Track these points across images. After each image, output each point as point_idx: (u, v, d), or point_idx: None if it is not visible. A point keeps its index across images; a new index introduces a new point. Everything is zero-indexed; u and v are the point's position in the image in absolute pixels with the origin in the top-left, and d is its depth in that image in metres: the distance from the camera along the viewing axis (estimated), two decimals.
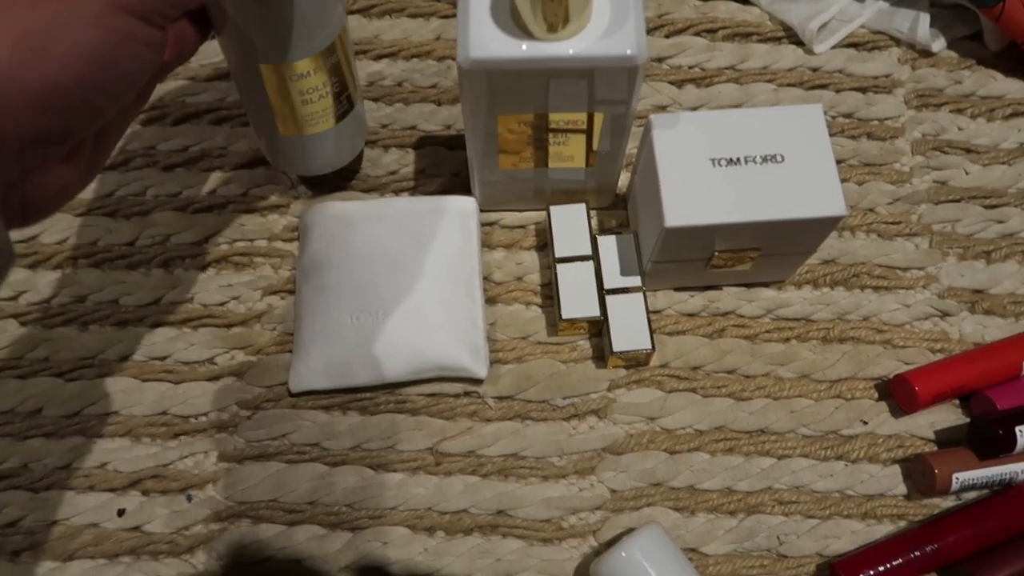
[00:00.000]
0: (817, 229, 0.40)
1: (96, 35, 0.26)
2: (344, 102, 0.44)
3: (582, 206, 0.46)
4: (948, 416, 0.44)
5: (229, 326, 0.47)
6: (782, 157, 0.40)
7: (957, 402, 0.44)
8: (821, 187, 0.39)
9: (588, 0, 0.35)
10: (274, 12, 0.37)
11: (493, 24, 0.36)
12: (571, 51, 0.36)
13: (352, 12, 0.56)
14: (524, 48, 0.36)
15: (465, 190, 0.49)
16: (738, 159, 0.40)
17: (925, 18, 0.52)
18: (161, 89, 0.54)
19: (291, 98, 0.42)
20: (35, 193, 0.27)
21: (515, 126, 0.41)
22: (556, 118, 0.40)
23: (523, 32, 0.36)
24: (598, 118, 0.40)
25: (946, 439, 0.43)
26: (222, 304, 0.47)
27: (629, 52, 0.36)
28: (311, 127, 0.44)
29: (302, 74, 0.41)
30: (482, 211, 0.49)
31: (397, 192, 0.50)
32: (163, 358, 0.46)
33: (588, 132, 0.41)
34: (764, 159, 0.40)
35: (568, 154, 0.43)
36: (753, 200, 0.39)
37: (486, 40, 0.36)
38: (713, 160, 0.40)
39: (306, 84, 0.41)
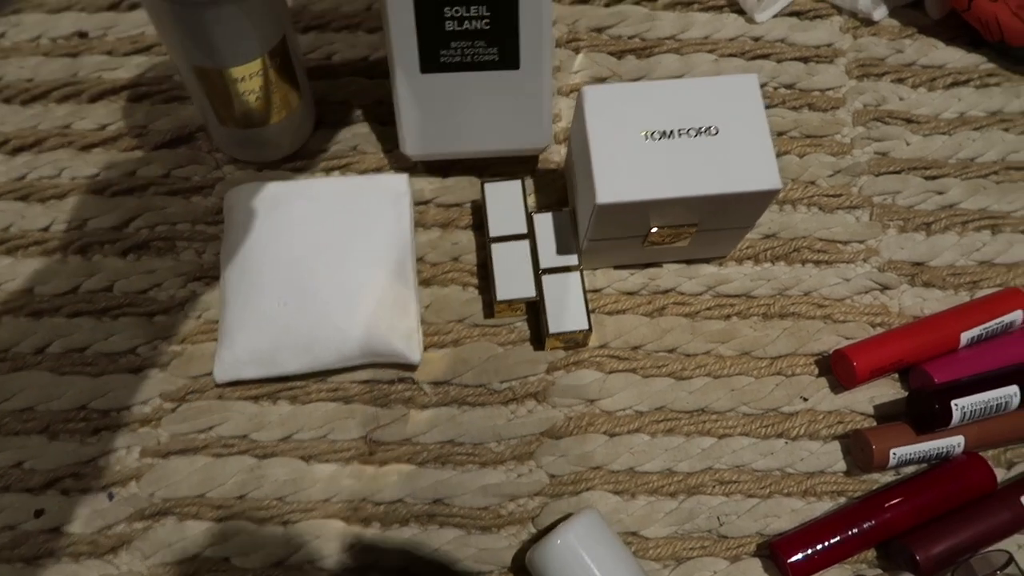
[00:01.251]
0: (754, 203, 0.39)
1: None
2: (287, 97, 0.43)
3: (517, 183, 0.45)
4: (888, 391, 0.43)
5: (151, 315, 0.45)
6: (716, 130, 0.38)
7: (896, 376, 0.44)
8: (756, 160, 0.38)
9: None
10: (207, 21, 0.36)
11: None
12: None
13: None
14: None
15: (397, 166, 0.48)
16: (671, 132, 0.38)
17: None
18: (76, 64, 0.51)
19: (230, 99, 0.41)
20: None
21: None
22: None
23: None
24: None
25: (886, 414, 0.43)
26: (144, 292, 0.45)
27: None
28: (251, 123, 0.43)
29: (238, 79, 0.39)
30: (417, 173, 0.47)
31: (327, 172, 0.48)
32: (82, 350, 0.44)
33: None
34: (698, 132, 0.38)
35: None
36: (687, 175, 0.38)
37: None
38: (646, 133, 0.38)
39: (243, 87, 0.40)
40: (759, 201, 0.39)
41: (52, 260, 0.46)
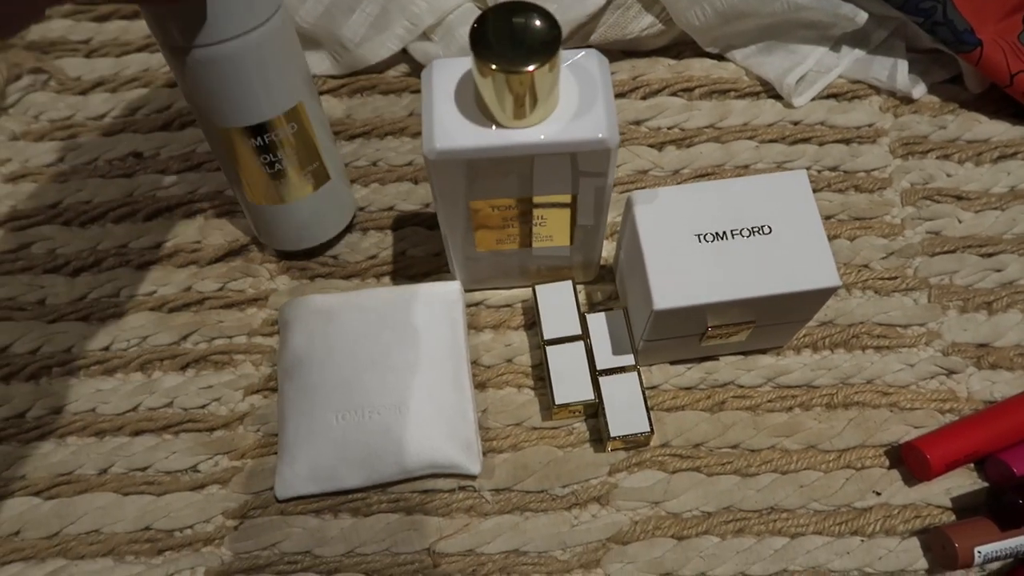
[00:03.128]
0: (811, 300, 0.39)
1: None
2: (312, 173, 0.43)
3: (568, 284, 0.45)
4: (964, 481, 0.42)
5: (211, 430, 0.45)
6: (769, 228, 0.38)
7: (972, 465, 0.42)
8: (812, 258, 0.38)
9: (554, 84, 0.34)
10: (224, 74, 0.37)
11: (459, 114, 0.35)
12: (541, 136, 0.34)
13: (323, 93, 0.55)
14: (490, 136, 0.35)
15: (447, 270, 0.48)
16: (724, 233, 0.38)
17: (903, 65, 0.52)
18: (130, 184, 0.52)
19: (249, 163, 0.41)
20: None
21: (490, 211, 0.40)
22: (534, 200, 0.39)
23: (490, 120, 0.35)
24: (575, 198, 0.39)
25: (964, 506, 0.41)
26: (203, 407, 0.45)
27: (600, 136, 0.34)
28: (278, 197, 0.43)
29: (257, 140, 0.40)
30: (466, 291, 0.47)
31: (378, 278, 0.49)
32: (144, 468, 0.44)
33: (571, 212, 0.40)
34: (751, 231, 0.38)
35: (547, 234, 0.42)
36: (743, 276, 0.37)
37: (451, 130, 0.35)
38: (699, 235, 0.38)
39: (267, 149, 0.40)
40: (817, 298, 0.39)
41: (113, 379, 0.46)
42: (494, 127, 0.35)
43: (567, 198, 0.39)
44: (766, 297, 0.37)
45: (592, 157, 0.36)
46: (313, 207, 0.46)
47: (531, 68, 0.31)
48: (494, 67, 0.32)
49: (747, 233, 0.38)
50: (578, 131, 0.34)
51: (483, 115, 0.35)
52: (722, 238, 0.38)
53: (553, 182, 0.37)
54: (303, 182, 0.44)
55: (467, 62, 0.36)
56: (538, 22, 0.32)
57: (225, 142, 0.40)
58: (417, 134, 0.53)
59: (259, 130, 0.40)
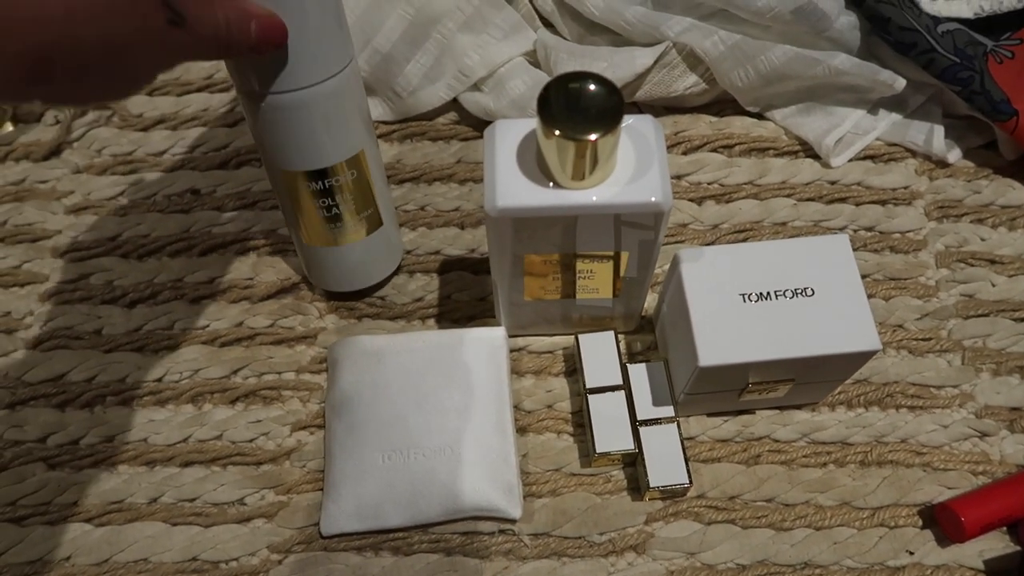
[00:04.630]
0: (851, 362, 0.40)
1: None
2: (367, 219, 0.45)
3: (611, 334, 0.46)
4: (997, 544, 0.42)
5: (258, 464, 0.46)
6: (812, 291, 0.40)
7: (1005, 529, 0.43)
8: (853, 321, 0.39)
9: (614, 149, 0.35)
10: (293, 119, 0.38)
11: (519, 172, 0.37)
12: (595, 199, 0.36)
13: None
14: (549, 196, 0.36)
15: (491, 314, 0.49)
16: (768, 294, 0.40)
17: (939, 130, 0.53)
18: (187, 220, 0.54)
19: (308, 206, 0.43)
20: None
21: (541, 265, 0.41)
22: (583, 255, 0.41)
23: (549, 180, 0.36)
24: (624, 255, 0.41)
25: (996, 569, 0.42)
26: (251, 440, 0.47)
27: (654, 199, 0.36)
28: (332, 239, 0.45)
29: (318, 184, 0.41)
30: (510, 336, 0.49)
31: (424, 320, 0.50)
32: (192, 500, 0.45)
33: (615, 266, 0.42)
34: (795, 293, 0.40)
35: (594, 287, 0.43)
36: (786, 336, 0.39)
37: (513, 189, 0.36)
38: (744, 295, 0.40)
39: (326, 193, 0.42)
40: (857, 360, 0.40)
41: (165, 410, 0.48)
42: (552, 186, 0.36)
43: (612, 260, 0.41)
44: (808, 358, 0.39)
45: (645, 219, 0.37)
46: (364, 251, 0.47)
47: (594, 137, 0.33)
48: (558, 133, 0.33)
49: (791, 294, 0.40)
50: (634, 194, 0.36)
51: (543, 175, 0.36)
52: (766, 298, 0.40)
53: (604, 239, 0.39)
54: (357, 226, 0.45)
55: (529, 123, 0.37)
56: (602, 90, 0.34)
57: (287, 184, 0.42)
58: (464, 180, 0.55)
59: (321, 175, 0.41)
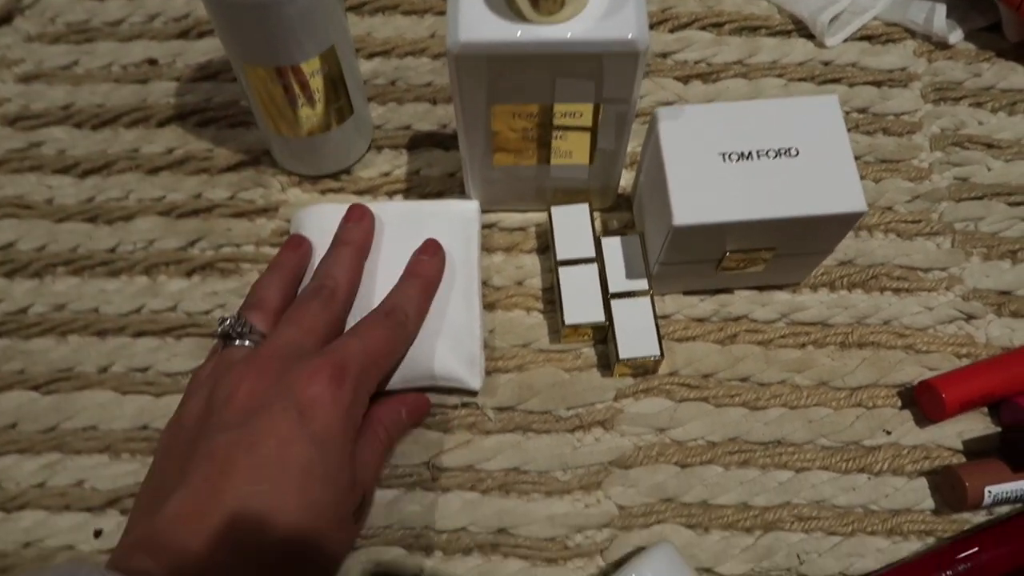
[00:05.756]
0: (835, 227, 0.38)
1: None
2: (337, 110, 0.43)
3: (584, 206, 0.44)
4: (976, 425, 0.41)
5: (214, 336, 0.44)
6: (796, 151, 0.37)
7: (985, 410, 0.41)
8: (839, 182, 0.37)
9: None
10: (263, 19, 0.36)
11: (485, 7, 0.34)
12: (568, 34, 0.33)
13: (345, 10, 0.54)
14: (518, 31, 0.33)
15: (461, 191, 0.47)
16: (750, 153, 0.37)
17: (941, 9, 0.50)
18: (144, 90, 0.52)
19: (277, 99, 0.41)
20: None
21: (511, 119, 0.39)
22: (556, 109, 0.38)
23: (517, 16, 0.33)
24: (597, 114, 0.38)
25: (975, 449, 0.40)
26: (207, 312, 0.45)
27: (630, 36, 0.33)
28: (300, 130, 0.43)
29: (291, 79, 0.39)
30: (481, 212, 0.46)
31: (391, 195, 0.48)
32: (144, 369, 0.43)
33: (591, 126, 0.39)
34: (777, 153, 0.37)
35: (567, 149, 0.41)
36: (767, 196, 0.36)
37: (477, 23, 0.34)
38: (723, 154, 0.37)
39: (298, 89, 0.40)
40: (841, 224, 0.38)
41: (118, 281, 0.46)
42: (521, 23, 0.33)
43: (589, 115, 0.38)
44: (789, 219, 0.36)
45: (619, 64, 0.35)
46: (334, 140, 0.45)
47: None
48: None
49: (773, 154, 0.37)
50: (607, 30, 0.33)
51: (510, 9, 0.34)
52: (747, 158, 0.37)
53: (577, 89, 0.36)
54: (327, 118, 0.43)
55: None
56: None
57: (252, 79, 0.40)
58: (438, 55, 0.52)
59: (292, 71, 0.39)
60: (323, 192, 0.48)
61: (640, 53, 0.34)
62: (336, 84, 0.42)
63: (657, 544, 0.36)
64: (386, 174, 0.48)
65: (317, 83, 0.41)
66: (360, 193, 0.48)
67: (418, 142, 0.49)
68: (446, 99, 0.51)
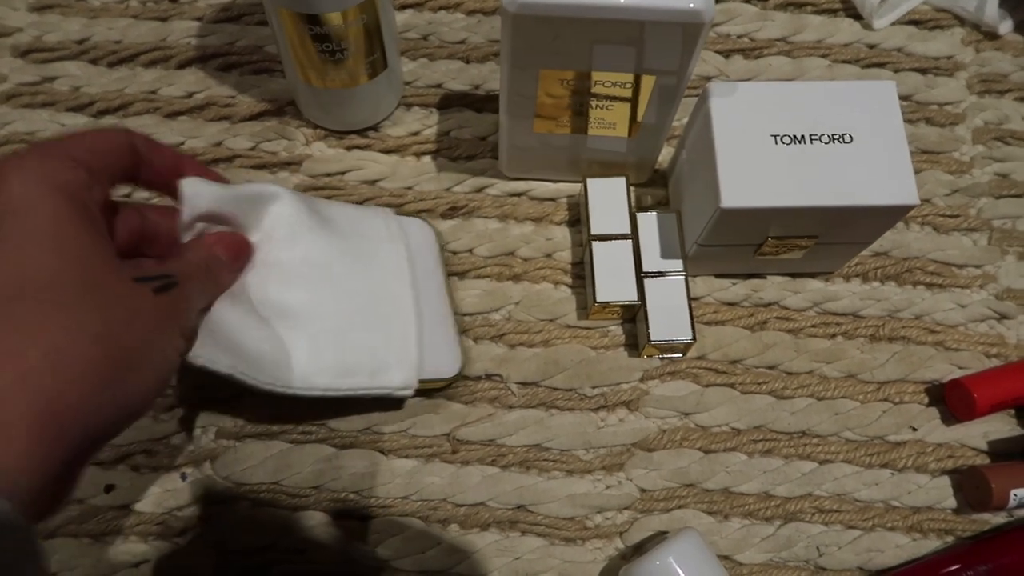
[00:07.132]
0: (883, 218, 0.37)
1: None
2: (372, 63, 0.41)
3: (622, 180, 0.43)
4: (1003, 426, 0.41)
5: None
6: (851, 137, 0.36)
7: (1012, 412, 0.41)
8: (892, 172, 0.36)
9: None
10: None
11: None
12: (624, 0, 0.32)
13: None
14: None
15: (492, 155, 0.46)
16: (803, 137, 0.36)
17: None
18: (165, 28, 0.49)
19: (309, 48, 0.39)
20: None
21: (556, 86, 0.37)
22: (601, 78, 0.37)
23: None
24: (646, 82, 0.37)
25: (1000, 451, 0.40)
26: None
27: (692, 6, 0.32)
28: (332, 82, 0.41)
29: (327, 28, 0.38)
30: (511, 179, 0.45)
31: (419, 156, 0.46)
32: None
33: (634, 98, 0.38)
34: (831, 138, 0.36)
35: (611, 120, 0.39)
36: (818, 183, 0.35)
37: None
38: (775, 136, 0.36)
39: (333, 38, 0.38)
40: (890, 216, 0.37)
41: None
42: None
43: (637, 85, 0.37)
44: (839, 208, 0.35)
45: (677, 35, 0.33)
46: (366, 95, 0.44)
47: None
48: None
49: (827, 139, 0.36)
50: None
51: None
52: (800, 141, 0.36)
53: (627, 58, 0.35)
54: (361, 71, 0.41)
55: None
56: None
57: (286, 24, 0.38)
58: (473, 11, 0.50)
59: (328, 19, 0.38)
60: (349, 148, 0.46)
61: (704, 24, 0.32)
62: (372, 36, 0.40)
63: (682, 531, 0.35)
64: (415, 133, 0.47)
65: (354, 32, 0.39)
66: (388, 152, 0.46)
67: (450, 101, 0.48)
68: (480, 58, 0.49)
